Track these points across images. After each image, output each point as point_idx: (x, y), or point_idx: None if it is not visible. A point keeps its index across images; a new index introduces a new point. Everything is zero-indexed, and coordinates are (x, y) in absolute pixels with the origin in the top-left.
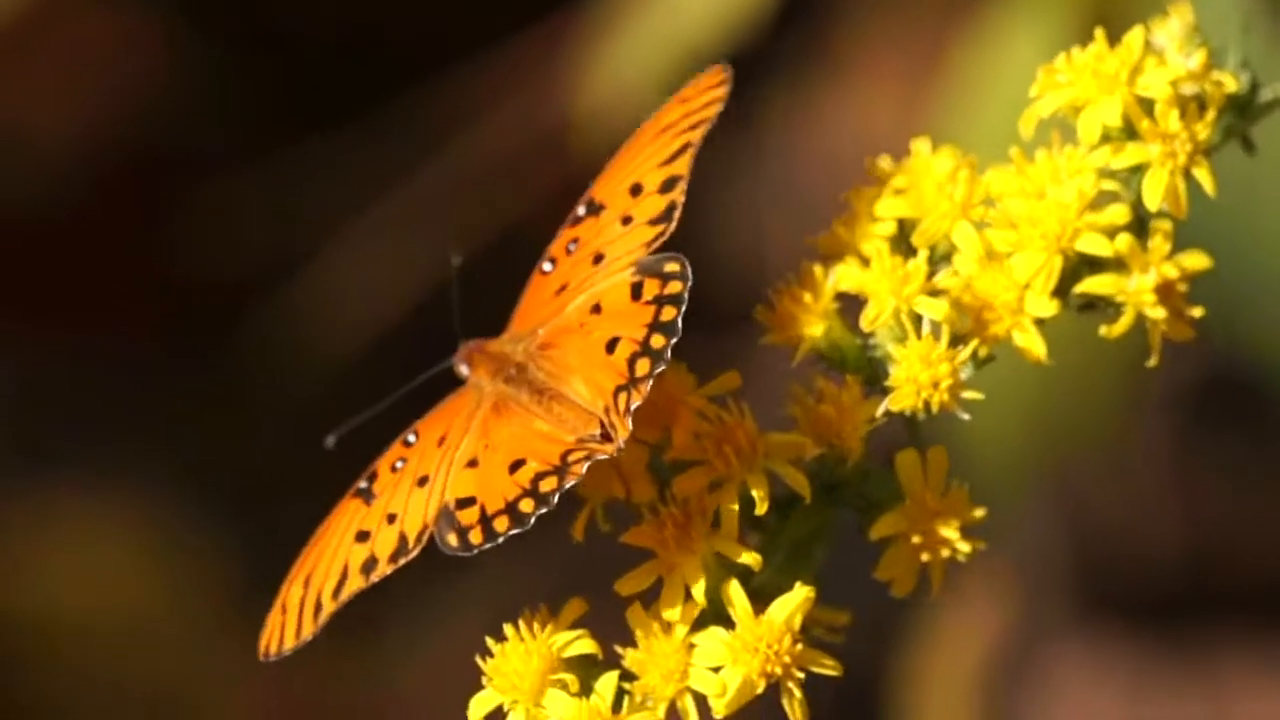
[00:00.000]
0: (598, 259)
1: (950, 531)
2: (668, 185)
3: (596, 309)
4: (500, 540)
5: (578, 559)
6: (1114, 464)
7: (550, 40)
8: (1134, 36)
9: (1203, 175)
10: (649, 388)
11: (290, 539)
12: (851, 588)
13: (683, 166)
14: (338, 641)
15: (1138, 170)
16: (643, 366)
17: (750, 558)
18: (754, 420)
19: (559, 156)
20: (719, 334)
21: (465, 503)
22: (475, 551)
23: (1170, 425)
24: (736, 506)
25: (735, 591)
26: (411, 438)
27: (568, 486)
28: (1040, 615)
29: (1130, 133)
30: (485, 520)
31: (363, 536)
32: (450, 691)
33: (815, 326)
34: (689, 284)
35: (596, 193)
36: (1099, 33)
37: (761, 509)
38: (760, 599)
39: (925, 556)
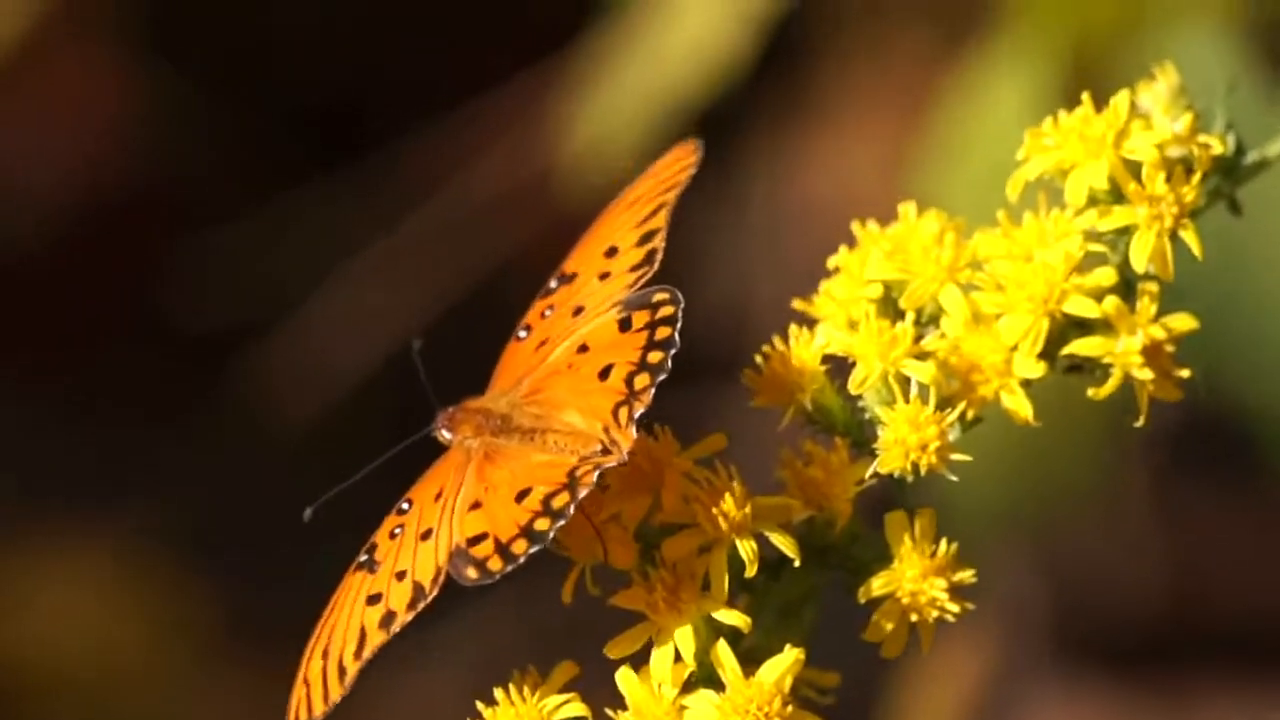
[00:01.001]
0: (577, 311)
1: (939, 592)
2: (645, 239)
3: (584, 349)
4: (520, 562)
5: (561, 609)
6: (1094, 508)
7: (534, 89)
8: (1120, 100)
9: (1189, 237)
10: (650, 398)
11: (275, 583)
12: (836, 637)
13: (659, 221)
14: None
15: (1124, 233)
16: (642, 380)
17: (740, 620)
18: (742, 483)
19: (542, 204)
20: (701, 385)
21: (477, 540)
22: (496, 578)
23: (1150, 469)
24: (726, 570)
25: (725, 653)
26: (405, 505)
27: (581, 497)
28: (1020, 660)
29: (1117, 195)
30: (501, 548)
31: (374, 599)
32: None
33: (803, 390)
34: (681, 306)
35: (568, 266)
36: (1085, 96)
37: (751, 571)
38: (750, 661)
39: (914, 618)
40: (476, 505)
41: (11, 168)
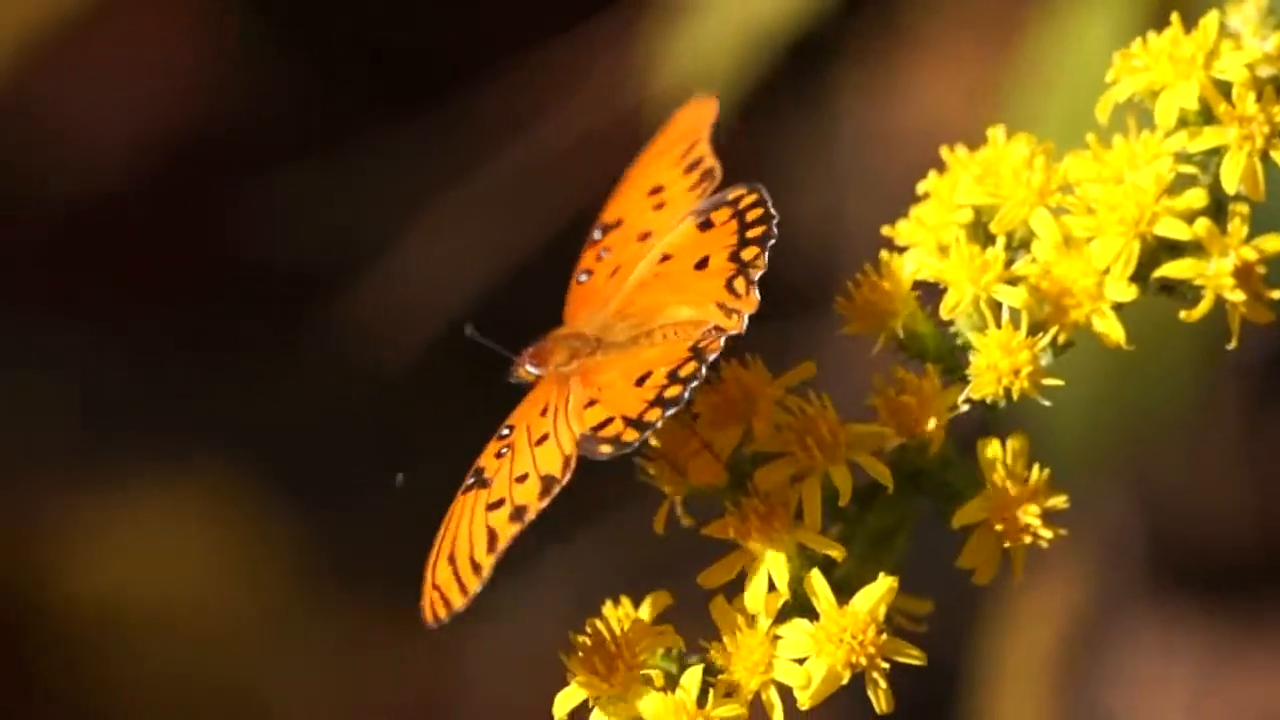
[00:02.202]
0: (644, 237)
1: (1032, 518)
2: (692, 167)
3: (667, 258)
4: (656, 428)
5: (653, 546)
6: (1186, 437)
7: (620, 27)
8: (1209, 21)
9: None
10: (765, 263)
11: (365, 524)
12: (928, 573)
13: (702, 151)
14: (409, 626)
15: (1215, 154)
16: (750, 252)
17: (834, 548)
18: (835, 411)
19: (632, 143)
20: (792, 315)
21: (602, 425)
22: (631, 448)
23: (1241, 397)
24: (819, 498)
25: (819, 582)
26: (506, 431)
27: (710, 362)
28: (1115, 592)
29: (1207, 117)
30: (632, 421)
31: (496, 505)
32: (521, 677)
33: (895, 316)
34: (766, 193)
35: (608, 216)
36: (1174, 17)
37: (845, 500)
38: (843, 590)
39: (1007, 544)
40: (592, 403)
41: (92, 114)
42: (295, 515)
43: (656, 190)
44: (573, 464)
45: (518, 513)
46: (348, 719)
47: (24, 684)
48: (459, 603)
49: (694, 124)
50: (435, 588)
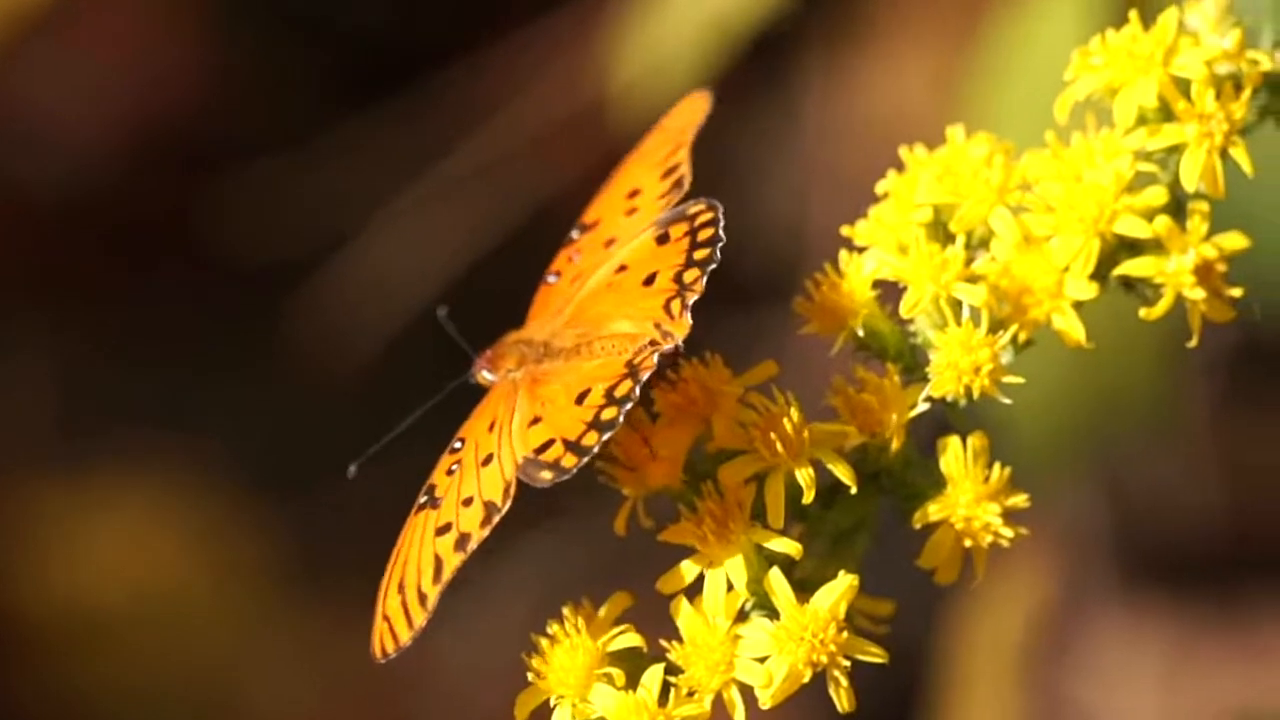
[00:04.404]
0: (609, 243)
1: (992, 517)
2: (668, 173)
3: (623, 269)
4: (594, 452)
5: (618, 547)
6: (1153, 431)
7: (586, 17)
8: (1168, 18)
9: (1239, 155)
10: (702, 287)
11: (335, 518)
12: (892, 572)
13: (680, 158)
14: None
15: (1174, 151)
16: (691, 274)
17: (790, 547)
18: (800, 409)
19: (595, 133)
20: (755, 309)
21: (544, 447)
22: (570, 474)
23: (1208, 391)
24: (783, 496)
25: (778, 581)
26: (458, 444)
27: (644, 381)
28: (1082, 583)
29: (1166, 114)
30: (571, 445)
31: (443, 530)
32: (489, 678)
33: (855, 315)
34: (720, 209)
35: (589, 216)
36: (1133, 14)
37: (809, 497)
38: (805, 589)
39: (968, 543)
40: (536, 421)
41: (66, 105)
42: (265, 509)
43: (634, 194)
44: (512, 491)
45: (461, 540)
46: (318, 712)
47: None
48: (405, 637)
49: (685, 123)
50: (385, 618)
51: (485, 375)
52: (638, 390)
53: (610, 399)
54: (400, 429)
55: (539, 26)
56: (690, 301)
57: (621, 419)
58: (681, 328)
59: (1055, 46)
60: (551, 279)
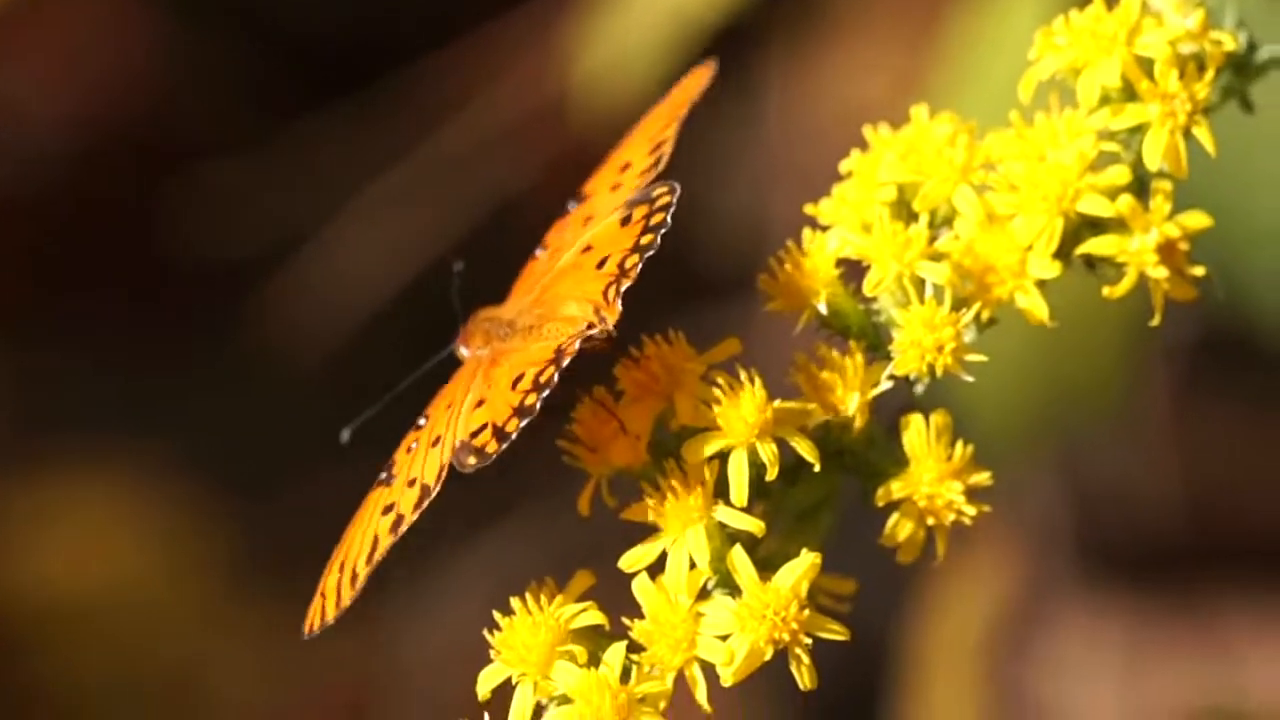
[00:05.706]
0: (588, 221)
1: (955, 495)
2: (655, 149)
3: (588, 249)
4: (513, 438)
5: (581, 532)
6: (1114, 421)
7: (546, 12)
8: None
9: (1202, 134)
10: (636, 274)
11: (292, 514)
12: (855, 555)
13: (669, 133)
14: (343, 615)
15: (1137, 131)
16: (631, 260)
17: (753, 524)
18: (764, 387)
19: (557, 128)
20: (720, 303)
21: (478, 431)
22: (491, 460)
23: (1169, 381)
24: (746, 473)
25: (740, 559)
26: (421, 422)
27: (565, 366)
28: (1043, 577)
29: (1129, 94)
30: (497, 430)
31: (388, 509)
32: (451, 667)
33: (818, 293)
34: (677, 194)
35: (586, 188)
36: None
37: (773, 474)
38: (767, 568)
39: (930, 521)
40: (480, 403)
41: (19, 108)
42: (229, 504)
43: (625, 168)
44: (444, 475)
45: (396, 523)
46: (285, 707)
47: None
48: (332, 615)
49: (682, 98)
50: (322, 595)
51: (462, 351)
52: (556, 378)
53: (535, 385)
54: (395, 392)
55: (501, 23)
56: (624, 288)
57: (539, 406)
58: (613, 314)
59: (1018, 41)
60: (539, 252)
